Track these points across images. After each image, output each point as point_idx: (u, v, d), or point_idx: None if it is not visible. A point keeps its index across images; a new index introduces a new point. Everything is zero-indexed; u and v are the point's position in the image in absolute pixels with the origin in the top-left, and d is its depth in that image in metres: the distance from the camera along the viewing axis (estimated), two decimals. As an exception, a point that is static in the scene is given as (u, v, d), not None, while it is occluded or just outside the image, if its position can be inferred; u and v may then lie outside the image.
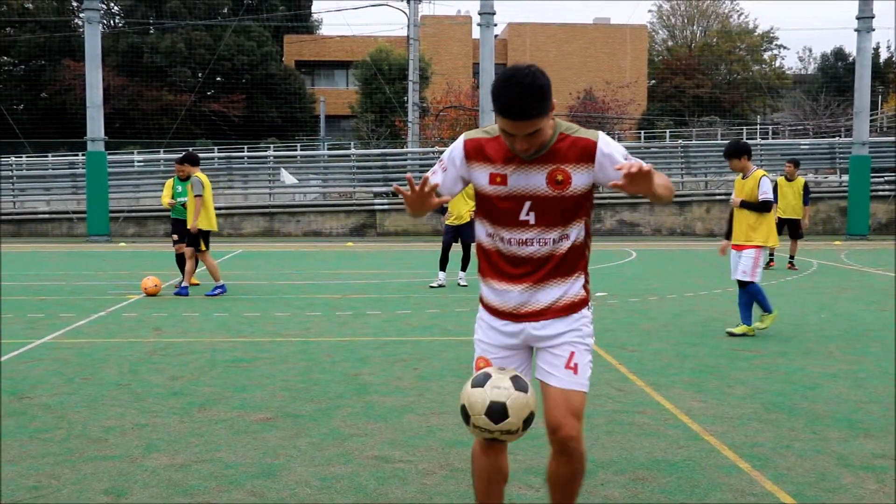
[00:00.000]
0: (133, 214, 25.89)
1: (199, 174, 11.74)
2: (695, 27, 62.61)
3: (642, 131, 45.45)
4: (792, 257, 15.24)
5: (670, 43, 63.57)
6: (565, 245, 3.19)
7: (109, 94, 39.56)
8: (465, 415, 3.13)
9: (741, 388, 6.42)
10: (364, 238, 25.85)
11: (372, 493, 4.25)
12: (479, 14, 24.98)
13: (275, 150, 31.89)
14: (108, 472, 4.54)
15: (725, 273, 14.82)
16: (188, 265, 12.03)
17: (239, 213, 26.74)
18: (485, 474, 3.36)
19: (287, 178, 27.97)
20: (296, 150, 37.69)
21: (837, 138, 34.78)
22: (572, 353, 3.25)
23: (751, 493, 4.24)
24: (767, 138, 40.27)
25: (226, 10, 51.17)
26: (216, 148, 35.38)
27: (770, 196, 8.50)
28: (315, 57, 55.08)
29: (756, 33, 60.78)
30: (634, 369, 7.06)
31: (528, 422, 3.11)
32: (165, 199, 12.67)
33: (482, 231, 3.29)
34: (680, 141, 33.22)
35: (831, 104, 46.29)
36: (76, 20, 48.47)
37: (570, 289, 3.25)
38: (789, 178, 15.24)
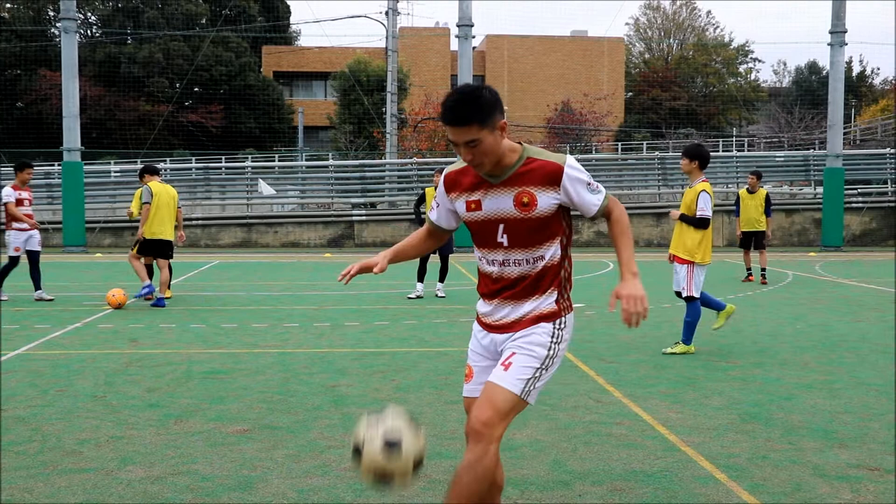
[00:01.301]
0: (109, 225, 25.70)
1: (152, 183, 11.82)
2: (671, 40, 63.17)
3: (619, 143, 45.73)
4: (763, 270, 15.33)
5: (647, 55, 64.11)
6: (540, 265, 3.32)
7: (86, 104, 39.31)
8: (357, 450, 3.18)
9: (718, 398, 6.46)
10: (342, 249, 25.79)
11: (350, 505, 4.23)
12: (458, 26, 25.07)
13: (253, 161, 31.79)
14: (82, 486, 4.49)
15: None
16: (162, 275, 11.95)
17: (216, 223, 26.61)
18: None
19: (265, 188, 27.88)
20: (274, 160, 37.58)
21: (812, 150, 35.17)
22: (511, 354, 3.29)
23: (727, 504, 4.26)
24: (743, 150, 40.64)
25: (204, 21, 51.02)
26: (194, 158, 35.22)
27: (708, 213, 8.11)
28: (293, 68, 55.03)
29: (731, 46, 61.43)
30: (612, 380, 7.09)
31: (417, 464, 3.17)
32: (133, 208, 12.69)
33: (476, 253, 3.45)
34: (656, 153, 33.47)
35: (805, 117, 46.81)
36: (53, 30, 48.15)
37: (540, 304, 3.34)
38: (751, 191, 15.29)
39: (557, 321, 3.36)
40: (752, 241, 15.32)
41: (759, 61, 78.84)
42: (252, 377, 7.21)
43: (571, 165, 3.25)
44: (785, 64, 77.86)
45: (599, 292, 13.74)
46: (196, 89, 49.41)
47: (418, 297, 12.79)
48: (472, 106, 3.09)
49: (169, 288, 12.45)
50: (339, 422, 5.76)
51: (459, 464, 3.23)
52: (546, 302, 3.35)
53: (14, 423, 5.72)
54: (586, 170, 3.34)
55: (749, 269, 15.41)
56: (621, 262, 3.34)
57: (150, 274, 12.36)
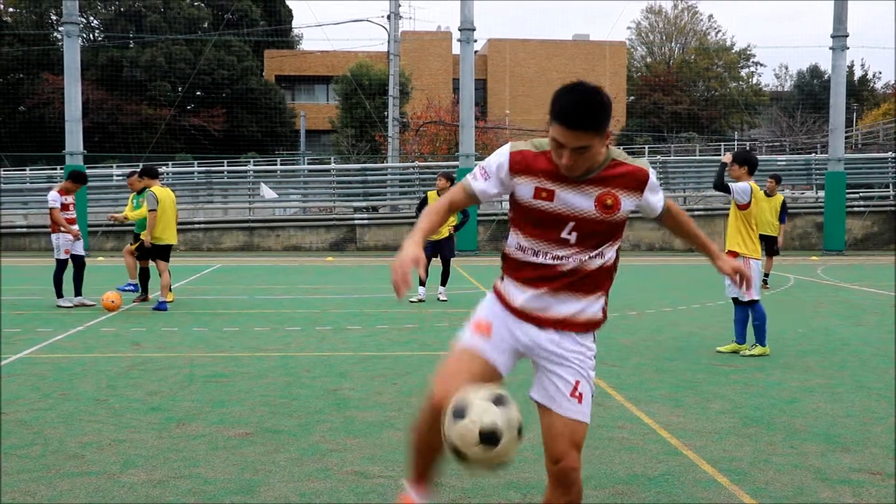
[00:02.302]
0: (111, 229, 25.71)
1: (155, 188, 11.79)
2: (673, 44, 63.24)
3: (621, 147, 45.72)
4: (767, 275, 15.30)
5: (649, 60, 64.16)
6: (597, 263, 3.21)
7: (88, 108, 39.37)
8: (458, 454, 2.93)
9: (720, 402, 6.46)
10: (344, 252, 25.81)
11: (352, 509, 4.23)
12: (459, 30, 25.11)
13: (255, 165, 31.82)
14: (85, 489, 4.50)
15: (704, 287, 14.94)
16: (162, 279, 11.94)
17: (218, 227, 26.63)
18: (427, 449, 3.37)
19: (267, 192, 27.91)
20: (276, 164, 37.61)
21: (813, 154, 35.18)
22: (578, 382, 3.20)
23: (729, 507, 4.26)
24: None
25: (206, 25, 51.12)
26: (196, 162, 35.26)
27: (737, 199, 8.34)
28: (295, 72, 55.12)
29: (733, 50, 61.49)
30: (614, 384, 7.09)
31: (520, 433, 3.01)
32: (127, 213, 12.71)
33: (514, 241, 3.25)
34: (658, 157, 33.47)
35: (807, 121, 46.83)
36: (55, 34, 48.23)
37: (589, 307, 3.25)
38: (769, 194, 15.25)
39: (596, 333, 3.32)
40: (762, 245, 15.25)
41: (761, 65, 78.94)
42: (254, 381, 7.21)
43: (653, 172, 3.23)
44: (787, 68, 78.03)
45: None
46: (198, 93, 49.51)
47: (420, 300, 12.79)
48: (597, 113, 2.89)
49: (171, 291, 12.46)
50: (341, 425, 5.76)
51: (555, 500, 3.22)
52: (594, 307, 3.26)
53: (16, 426, 5.72)
54: None
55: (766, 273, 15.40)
56: (710, 249, 3.54)
57: (147, 278, 12.45)
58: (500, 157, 3.19)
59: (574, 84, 2.94)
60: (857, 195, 28.29)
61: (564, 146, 2.93)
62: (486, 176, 3.25)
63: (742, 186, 8.26)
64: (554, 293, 3.19)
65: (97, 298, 12.38)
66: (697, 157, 35.12)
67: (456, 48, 33.99)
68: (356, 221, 26.79)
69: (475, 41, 25.53)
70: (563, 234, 3.14)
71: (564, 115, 2.88)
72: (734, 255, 8.26)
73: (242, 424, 5.77)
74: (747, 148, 43.96)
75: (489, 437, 2.88)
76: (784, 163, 30.87)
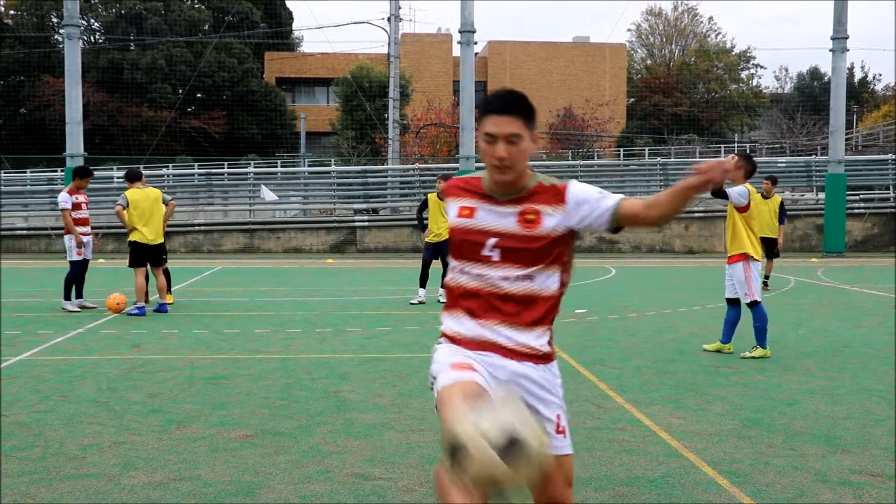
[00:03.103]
0: (112, 231, 25.71)
1: (131, 190, 11.63)
2: (673, 46, 63.26)
3: (621, 149, 45.73)
4: (767, 277, 15.29)
5: (649, 61, 64.19)
6: (529, 286, 3.05)
7: (89, 110, 39.39)
8: (458, 446, 2.47)
9: (720, 404, 6.46)
10: (344, 255, 25.81)
11: (352, 511, 4.23)
12: (460, 32, 25.12)
13: (255, 167, 31.85)
14: (85, 491, 4.50)
15: (704, 290, 14.94)
16: (158, 282, 11.91)
17: (219, 229, 26.64)
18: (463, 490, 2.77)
19: (267, 194, 27.91)
20: (276, 166, 37.64)
21: (814, 156, 35.18)
22: (559, 416, 3.14)
23: (729, 509, 4.26)
24: (745, 156, 40.59)
25: (207, 27, 51.16)
26: (196, 164, 35.28)
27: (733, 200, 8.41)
28: (296, 74, 55.14)
29: (733, 52, 61.50)
30: (614, 386, 7.09)
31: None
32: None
33: (451, 263, 3.22)
34: (658, 159, 33.49)
35: (807, 123, 46.85)
36: (56, 36, 48.27)
37: (534, 337, 3.08)
38: (766, 196, 15.23)
39: (554, 363, 3.17)
40: (762, 247, 15.21)
41: (761, 67, 78.96)
42: (254, 383, 7.21)
43: (575, 182, 3.16)
44: (787, 70, 77.96)
45: (601, 298, 13.73)
46: (199, 95, 49.53)
47: (420, 302, 12.79)
48: (523, 102, 3.06)
49: (170, 293, 12.45)
50: (342, 427, 5.76)
51: None
52: (540, 340, 3.09)
53: (16, 428, 5.73)
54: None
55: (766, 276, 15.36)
56: (675, 190, 2.98)
57: (147, 281, 12.38)
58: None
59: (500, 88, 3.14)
60: (857, 197, 28.29)
61: (497, 137, 2.99)
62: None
63: (739, 190, 8.32)
64: (492, 323, 3.05)
65: (99, 301, 12.38)
66: (697, 159, 35.11)
67: (456, 50, 34.03)
68: (356, 223, 26.80)
69: (475, 43, 25.55)
70: (485, 251, 3.07)
71: (494, 104, 3.03)
72: (742, 256, 8.35)
73: (243, 426, 5.77)
74: (747, 150, 43.99)
75: (511, 448, 2.45)
76: (784, 165, 30.88)
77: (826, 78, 48.63)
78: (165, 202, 12.03)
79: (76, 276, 12.10)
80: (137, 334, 9.87)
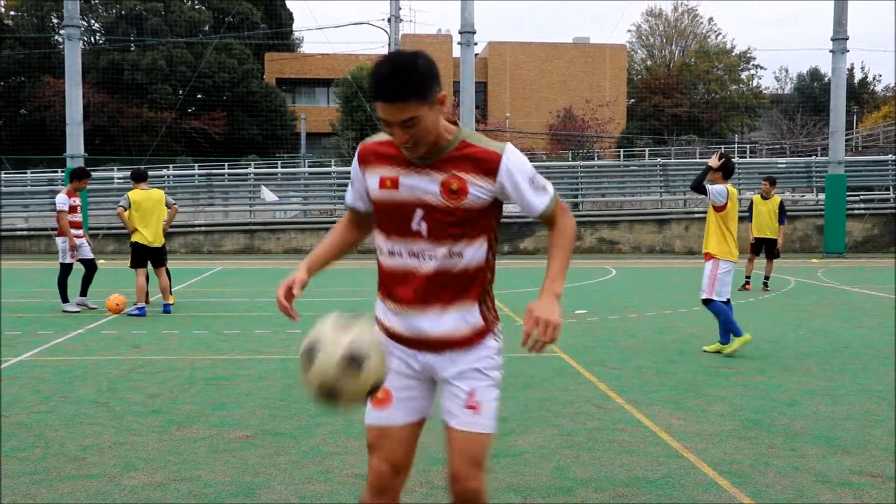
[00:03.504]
0: (112, 231, 25.72)
1: (135, 190, 11.63)
2: (673, 47, 63.30)
3: (621, 150, 45.74)
4: (767, 278, 15.27)
5: (649, 62, 64.23)
6: (459, 264, 2.85)
7: (89, 111, 39.39)
8: (330, 393, 2.67)
9: (720, 405, 6.46)
10: (344, 255, 25.78)
11: (352, 512, 4.23)
12: (460, 33, 25.12)
13: (255, 168, 31.86)
14: (85, 492, 4.50)
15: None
16: (161, 282, 11.91)
17: (219, 230, 26.64)
18: None
19: (268, 195, 27.91)
20: (276, 167, 37.64)
21: (814, 157, 35.18)
22: (472, 392, 2.88)
23: (730, 510, 4.26)
24: (745, 157, 40.66)
25: (207, 28, 51.17)
26: (196, 165, 35.29)
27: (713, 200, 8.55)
28: (296, 75, 55.15)
29: (733, 53, 61.54)
30: (614, 386, 7.09)
31: (374, 389, 2.73)
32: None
33: (377, 242, 2.98)
34: (658, 159, 33.49)
35: (808, 123, 46.86)
36: (56, 37, 48.27)
37: (466, 317, 2.89)
38: (765, 197, 15.20)
39: (491, 334, 2.95)
40: (762, 247, 15.20)
41: (761, 68, 78.97)
42: (254, 383, 7.21)
43: (512, 156, 2.82)
44: (787, 71, 78.05)
45: (601, 298, 13.73)
46: (199, 96, 49.54)
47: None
48: (410, 78, 2.62)
49: (171, 293, 12.44)
50: (342, 428, 5.76)
51: None
52: (471, 315, 2.89)
53: (17, 429, 5.73)
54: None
55: (748, 277, 15.26)
56: (547, 276, 2.83)
57: (147, 281, 12.42)
58: (355, 156, 3.00)
59: (387, 55, 2.73)
60: (857, 198, 28.28)
61: (392, 123, 2.69)
62: (351, 183, 3.05)
63: (719, 188, 8.48)
64: (421, 307, 2.87)
65: (99, 301, 12.38)
66: (698, 160, 35.12)
67: (456, 51, 34.03)
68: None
69: (475, 44, 25.54)
70: (413, 226, 2.84)
71: (379, 89, 2.65)
72: (710, 256, 8.57)
73: (243, 427, 5.78)
74: (747, 151, 44.00)
75: (354, 360, 2.64)
76: (784, 165, 30.88)
77: (826, 79, 48.63)
78: (169, 205, 12.01)
79: (67, 278, 12.06)
80: (137, 335, 9.87)
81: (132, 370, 7.77)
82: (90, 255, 12.36)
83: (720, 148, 43.37)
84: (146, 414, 6.14)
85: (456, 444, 2.89)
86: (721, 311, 8.52)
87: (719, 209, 8.50)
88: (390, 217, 2.89)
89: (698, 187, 8.56)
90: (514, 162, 2.82)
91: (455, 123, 2.88)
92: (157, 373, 7.65)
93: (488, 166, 2.80)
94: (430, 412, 3.03)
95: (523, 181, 2.83)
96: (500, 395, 3.01)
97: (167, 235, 12.48)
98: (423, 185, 2.81)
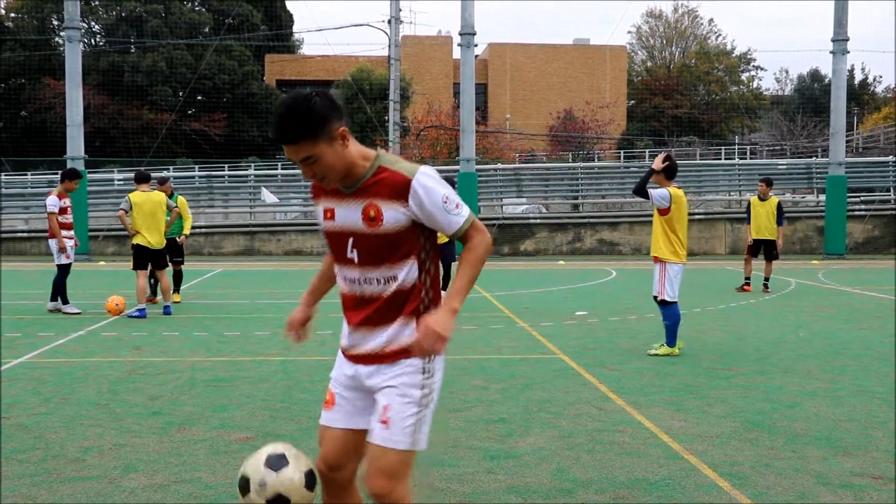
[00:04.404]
0: (113, 233, 25.74)
1: (135, 192, 11.66)
2: (673, 48, 63.33)
3: (622, 151, 45.79)
4: (767, 279, 15.25)
5: (649, 63, 64.25)
6: (392, 286, 3.00)
7: (90, 113, 39.40)
8: (244, 487, 3.21)
9: (721, 406, 6.45)
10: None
11: (353, 513, 4.23)
12: (460, 34, 25.12)
13: (256, 169, 31.85)
14: (85, 493, 4.50)
15: (704, 292, 14.94)
16: (162, 283, 11.91)
17: (219, 231, 26.64)
18: None
19: (268, 196, 27.91)
20: (277, 168, 37.64)
21: (814, 158, 35.18)
22: (386, 407, 3.00)
23: (730, 512, 4.25)
24: (745, 158, 40.66)
25: (207, 30, 51.19)
26: (197, 167, 35.30)
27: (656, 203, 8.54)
28: (296, 76, 55.15)
29: (734, 54, 61.54)
30: (614, 388, 7.08)
31: (309, 485, 3.20)
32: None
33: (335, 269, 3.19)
34: (659, 161, 33.41)
35: (808, 125, 46.88)
36: (57, 38, 48.28)
37: (397, 335, 3.02)
38: (762, 198, 15.20)
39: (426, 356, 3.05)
40: (760, 249, 15.19)
41: (762, 69, 79.03)
42: (255, 385, 7.21)
43: (422, 178, 2.91)
44: (787, 72, 78.00)
45: (601, 300, 13.73)
46: (199, 98, 49.57)
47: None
48: (300, 119, 2.78)
49: (177, 292, 12.46)
50: (342, 430, 5.75)
51: None
52: (406, 333, 3.01)
53: (17, 430, 5.73)
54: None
55: (748, 278, 15.23)
56: (449, 291, 2.96)
57: (178, 281, 12.93)
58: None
59: (283, 97, 2.90)
60: (858, 199, 28.29)
61: (295, 161, 2.87)
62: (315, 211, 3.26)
63: (661, 193, 8.48)
64: (361, 328, 3.07)
65: (99, 303, 12.38)
66: (698, 161, 35.13)
67: (457, 52, 34.06)
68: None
69: (475, 45, 25.54)
70: (348, 254, 3.03)
71: (273, 130, 2.84)
72: (657, 259, 8.59)
73: (243, 429, 5.77)
74: (748, 152, 44.00)
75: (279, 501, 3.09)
76: (785, 167, 30.89)
77: (826, 80, 48.63)
78: (170, 208, 12.05)
79: (65, 278, 12.02)
80: (138, 336, 9.87)
81: (133, 372, 7.77)
82: (71, 258, 12.22)
83: (721, 149, 43.44)
84: (147, 416, 6.14)
85: (369, 454, 3.04)
86: (673, 316, 8.59)
87: (663, 213, 8.49)
88: (332, 246, 3.13)
89: (641, 191, 8.57)
90: (424, 184, 2.92)
91: (377, 150, 3.02)
92: (158, 374, 7.64)
93: (399, 190, 2.92)
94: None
95: (432, 203, 2.92)
96: (431, 412, 3.09)
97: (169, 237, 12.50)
98: (349, 214, 2.99)
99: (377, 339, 3.04)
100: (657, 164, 8.57)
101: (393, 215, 2.92)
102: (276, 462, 3.16)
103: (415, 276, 3.02)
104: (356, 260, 3.02)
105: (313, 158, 2.84)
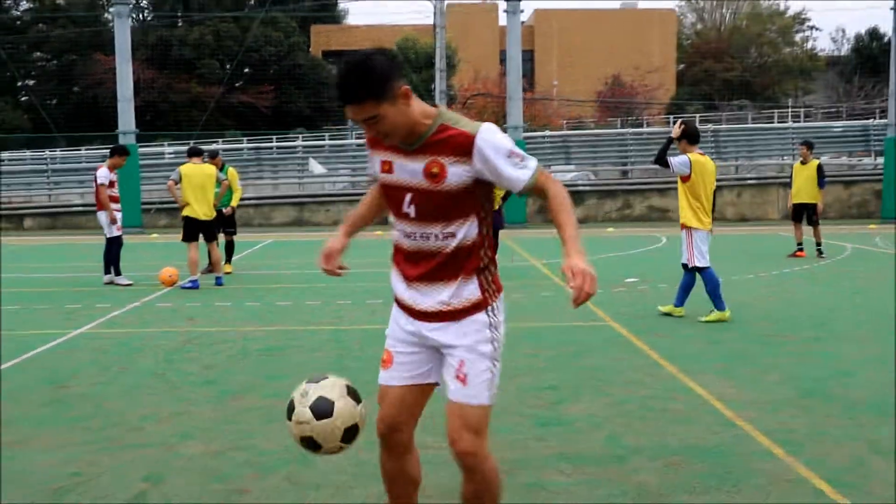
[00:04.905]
0: (165, 206, 26.13)
1: (186, 165, 11.83)
2: (724, 10, 61.87)
3: (671, 116, 45.03)
4: (819, 244, 14.91)
5: (699, 26, 62.90)
6: (452, 243, 3.00)
7: (140, 87, 39.84)
8: (290, 407, 3.19)
9: (775, 373, 6.38)
10: (381, 215, 25.87)
11: (405, 480, 4.27)
12: (506, 1, 24.87)
13: (303, 141, 32.03)
14: (145, 460, 4.61)
15: (756, 258, 14.71)
16: (213, 256, 12.09)
17: (269, 203, 26.90)
18: (390, 479, 3.38)
19: (316, 167, 28.08)
20: (324, 139, 37.82)
21: (872, 120, 34.29)
22: (461, 363, 3.03)
23: (785, 479, 4.22)
24: (799, 121, 39.78)
25: (253, 2, 51.38)
26: (245, 139, 35.60)
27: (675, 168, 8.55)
28: (342, 46, 55.10)
29: (787, 15, 59.97)
30: (666, 355, 7.03)
31: (350, 432, 3.20)
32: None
33: (392, 222, 3.19)
34: (710, 126, 32.91)
35: (866, 85, 45.66)
36: (106, 15, 48.87)
37: (459, 291, 3.04)
38: (804, 162, 14.97)
39: (488, 308, 3.08)
40: (804, 213, 14.93)
41: (817, 29, 77.04)
42: (307, 354, 7.30)
43: (486, 134, 2.90)
44: (844, 31, 76.03)
45: (652, 266, 13.60)
46: (246, 70, 49.82)
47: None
48: (362, 80, 2.79)
49: (229, 263, 12.65)
50: (393, 398, 5.81)
51: (463, 486, 3.15)
52: (468, 290, 3.04)
53: (79, 399, 5.88)
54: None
55: (800, 243, 14.96)
56: (566, 241, 2.91)
57: (230, 253, 13.23)
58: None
59: (344, 58, 2.89)
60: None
61: (357, 121, 2.88)
62: (370, 160, 3.26)
63: (681, 159, 8.49)
64: (421, 281, 3.07)
65: (153, 275, 12.61)
66: (750, 126, 34.46)
67: (503, 19, 33.73)
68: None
69: (522, 11, 25.27)
70: (405, 208, 3.03)
71: (337, 91, 2.85)
72: (683, 226, 8.71)
73: (296, 397, 5.85)
74: (801, 115, 43.03)
75: (322, 408, 3.16)
76: (841, 129, 30.19)
77: (886, 38, 47.24)
78: (219, 181, 12.25)
79: (118, 250, 12.30)
80: (191, 307, 10.04)
81: (187, 342, 7.92)
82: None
83: (773, 112, 42.56)
84: (201, 384, 6.26)
85: (449, 411, 3.06)
86: (711, 280, 8.59)
87: (685, 179, 8.53)
88: (389, 198, 3.12)
89: (661, 160, 8.59)
90: (488, 140, 2.89)
91: (438, 108, 3.00)
92: (212, 344, 7.78)
93: (463, 148, 2.89)
94: (436, 379, 3.18)
95: (498, 158, 2.90)
96: (500, 367, 3.12)
97: (235, 209, 12.84)
98: (410, 169, 2.97)
99: (440, 296, 3.05)
100: (675, 132, 8.60)
101: (456, 172, 2.92)
102: (318, 377, 3.30)
103: (474, 234, 3.03)
104: (413, 214, 3.02)
105: (377, 118, 2.84)
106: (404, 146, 2.97)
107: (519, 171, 2.93)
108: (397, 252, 3.16)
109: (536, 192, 2.98)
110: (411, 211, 3.01)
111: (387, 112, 2.83)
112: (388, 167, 3.05)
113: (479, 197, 3.01)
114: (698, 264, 8.55)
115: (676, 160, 8.48)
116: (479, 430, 3.05)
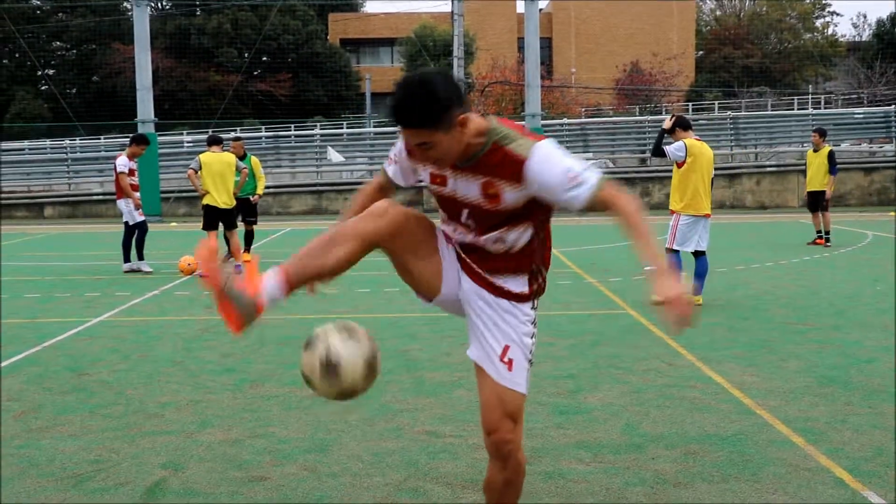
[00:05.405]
0: (184, 195, 26.24)
1: (206, 153, 11.86)
2: (744, -4, 61.29)
3: (690, 103, 44.73)
4: (827, 233, 14.72)
5: (718, 13, 62.35)
6: (503, 247, 3.02)
7: (158, 76, 39.98)
8: (306, 381, 3.20)
9: (795, 361, 6.33)
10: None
11: (423, 468, 4.29)
12: (524, -13, 24.74)
13: (321, 129, 32.06)
14: (165, 447, 4.64)
15: (776, 246, 14.61)
16: (232, 244, 12.12)
17: (287, 191, 26.97)
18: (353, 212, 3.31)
19: (334, 156, 28.10)
20: (342, 127, 37.85)
21: (893, 107, 33.90)
22: (507, 347, 3.00)
23: (805, 468, 4.19)
24: (819, 108, 39.40)
25: (270, -10, 51.34)
26: (263, 127, 35.67)
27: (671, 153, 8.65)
28: (360, 35, 55.11)
29: (807, 0, 59.33)
30: (684, 343, 7.00)
31: (371, 368, 3.13)
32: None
33: (441, 217, 3.17)
34: (729, 113, 32.67)
35: (887, 71, 45.11)
36: (125, 4, 49.00)
37: (514, 283, 3.05)
38: (816, 149, 14.87)
39: (533, 302, 3.09)
40: (818, 201, 14.84)
41: (837, 14, 76.16)
42: (325, 342, 7.31)
43: (537, 162, 2.79)
44: (865, 16, 75.08)
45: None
46: (264, 59, 49.88)
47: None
48: (422, 107, 2.68)
49: (248, 251, 12.71)
50: (411, 386, 5.82)
51: (491, 475, 3.10)
52: (516, 283, 3.05)
53: (99, 386, 5.93)
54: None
55: (819, 231, 14.88)
56: (647, 258, 2.91)
57: (250, 241, 13.31)
58: (400, 141, 3.07)
59: (406, 77, 2.80)
60: (939, 148, 27.23)
61: (409, 143, 2.81)
62: (393, 161, 3.19)
63: (676, 145, 8.62)
64: (471, 255, 3.07)
65: (172, 263, 12.67)
66: (769, 113, 34.17)
67: (521, 7, 33.58)
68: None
69: (540, -1, 25.14)
70: (463, 219, 3.01)
71: (393, 112, 2.74)
72: (672, 211, 8.78)
73: (314, 385, 5.87)
74: (822, 101, 42.61)
75: (330, 368, 3.04)
76: (862, 116, 29.86)
77: (907, 24, 46.70)
78: (239, 169, 12.29)
79: (143, 236, 12.40)
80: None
81: (205, 330, 7.96)
82: (142, 217, 12.60)
83: (793, 99, 42.19)
84: (220, 372, 6.29)
85: (491, 395, 3.00)
86: (678, 263, 8.69)
87: (681, 165, 8.64)
88: (444, 206, 3.09)
89: (657, 151, 8.76)
90: (540, 168, 2.79)
91: (489, 124, 2.90)
92: (230, 333, 7.79)
93: (515, 172, 2.83)
94: (440, 295, 3.11)
95: (552, 184, 2.81)
96: (534, 362, 3.13)
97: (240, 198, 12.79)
98: (466, 187, 2.94)
99: (498, 280, 3.04)
100: (666, 124, 8.81)
101: (512, 195, 2.88)
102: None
103: (528, 237, 3.02)
104: (472, 226, 3.01)
105: (429, 145, 2.77)
106: (458, 162, 2.91)
107: (574, 191, 2.80)
108: (450, 224, 3.12)
109: (599, 207, 2.86)
110: (470, 223, 3.01)
111: (441, 140, 2.75)
112: (440, 180, 3.00)
113: (536, 208, 2.97)
114: (674, 247, 8.69)
115: (672, 147, 8.66)
116: (518, 419, 3.02)
